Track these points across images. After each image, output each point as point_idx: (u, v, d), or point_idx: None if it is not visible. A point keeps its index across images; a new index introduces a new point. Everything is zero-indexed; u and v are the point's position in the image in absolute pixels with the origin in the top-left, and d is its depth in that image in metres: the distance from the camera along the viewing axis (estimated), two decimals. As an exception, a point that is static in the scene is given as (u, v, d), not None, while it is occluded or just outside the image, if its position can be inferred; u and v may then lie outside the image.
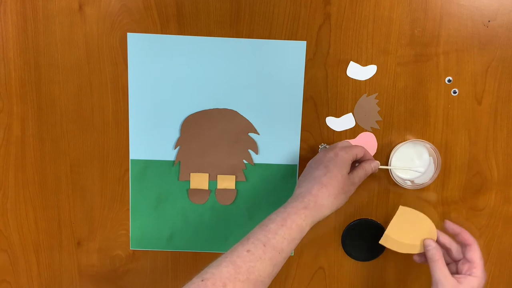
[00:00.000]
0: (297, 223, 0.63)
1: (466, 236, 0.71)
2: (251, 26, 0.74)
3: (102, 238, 0.81)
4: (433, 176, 0.76)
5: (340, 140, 0.78)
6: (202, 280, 0.58)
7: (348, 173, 0.69)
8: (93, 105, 0.77)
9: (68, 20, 0.74)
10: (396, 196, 0.79)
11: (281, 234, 0.62)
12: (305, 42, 0.74)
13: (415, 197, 0.79)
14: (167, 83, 0.76)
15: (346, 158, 0.69)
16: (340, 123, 0.77)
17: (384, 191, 0.79)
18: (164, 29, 0.74)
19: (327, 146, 0.75)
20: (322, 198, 0.66)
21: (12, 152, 0.78)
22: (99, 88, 0.76)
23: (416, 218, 0.74)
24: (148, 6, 0.73)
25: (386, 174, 0.78)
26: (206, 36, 0.74)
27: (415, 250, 0.72)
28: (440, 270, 0.68)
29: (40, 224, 0.80)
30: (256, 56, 0.75)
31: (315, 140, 0.78)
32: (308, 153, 0.78)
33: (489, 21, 0.74)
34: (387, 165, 0.76)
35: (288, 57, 0.75)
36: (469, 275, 0.68)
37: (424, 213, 0.79)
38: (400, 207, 0.74)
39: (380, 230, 0.80)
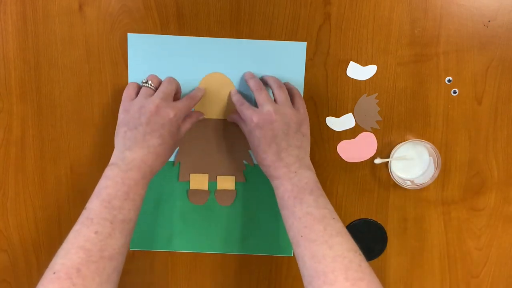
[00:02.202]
0: (139, 193, 0.65)
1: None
2: (251, 26, 0.74)
3: (102, 238, 0.81)
4: (433, 176, 0.76)
5: (340, 140, 0.78)
6: (54, 273, 0.58)
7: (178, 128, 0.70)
8: (93, 105, 0.77)
9: (68, 20, 0.74)
10: (396, 196, 0.79)
11: (127, 207, 0.63)
12: (305, 43, 0.74)
13: (415, 197, 0.79)
14: (167, 83, 0.76)
15: (178, 121, 0.68)
16: (340, 123, 0.77)
17: (384, 191, 0.79)
18: (164, 29, 0.74)
19: (151, 85, 0.70)
20: (156, 165, 0.67)
21: (12, 152, 0.78)
22: (99, 88, 0.76)
23: (219, 81, 0.75)
24: (148, 6, 0.73)
25: (386, 174, 0.78)
26: (206, 36, 0.74)
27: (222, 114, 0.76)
28: (246, 109, 0.70)
29: (40, 224, 0.80)
30: (257, 56, 0.75)
31: (315, 141, 0.78)
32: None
33: (489, 21, 0.74)
34: (388, 166, 0.76)
35: (288, 58, 0.75)
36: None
37: (424, 213, 0.80)
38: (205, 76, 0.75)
39: (380, 230, 0.80)
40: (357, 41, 0.75)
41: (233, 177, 0.79)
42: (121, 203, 0.63)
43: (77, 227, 0.62)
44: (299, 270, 0.82)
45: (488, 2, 0.73)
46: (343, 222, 0.80)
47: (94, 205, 0.63)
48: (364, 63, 0.75)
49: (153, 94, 0.69)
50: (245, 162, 0.78)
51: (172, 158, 0.78)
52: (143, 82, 0.71)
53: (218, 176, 0.79)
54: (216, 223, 0.81)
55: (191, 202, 0.80)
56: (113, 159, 0.67)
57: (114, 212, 0.62)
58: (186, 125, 0.72)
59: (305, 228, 0.63)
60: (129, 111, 0.68)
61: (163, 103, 0.67)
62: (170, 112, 0.67)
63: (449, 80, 0.75)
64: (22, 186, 0.79)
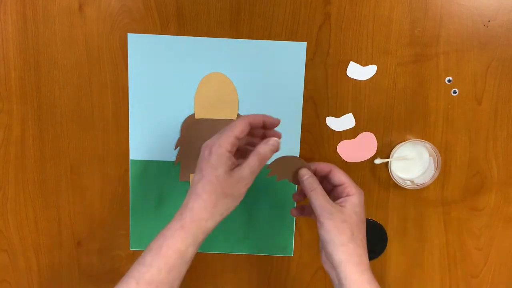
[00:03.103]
0: (174, 249, 0.56)
1: (322, 166, 0.66)
2: (251, 26, 0.74)
3: (102, 238, 0.81)
4: (433, 176, 0.76)
5: (340, 140, 0.77)
6: None
7: (232, 168, 0.59)
8: (93, 105, 0.77)
9: (68, 20, 0.74)
10: (396, 196, 0.79)
11: (156, 265, 0.56)
12: (305, 43, 0.74)
13: (415, 197, 0.79)
14: (167, 83, 0.76)
15: (221, 152, 0.58)
16: (340, 123, 0.77)
17: (384, 191, 0.79)
18: (164, 29, 0.74)
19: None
20: (199, 211, 0.57)
21: (12, 152, 0.78)
22: (99, 88, 0.76)
23: (219, 81, 0.74)
24: (148, 6, 0.73)
25: (386, 174, 0.78)
26: (206, 36, 0.74)
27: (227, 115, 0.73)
28: (321, 197, 0.62)
29: (40, 224, 0.80)
30: (256, 57, 0.75)
31: (315, 141, 0.78)
32: (308, 153, 0.78)
33: (489, 21, 0.74)
34: (388, 166, 0.76)
35: (288, 58, 0.75)
36: (347, 195, 0.63)
37: (424, 213, 0.80)
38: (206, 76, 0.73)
39: (380, 230, 0.80)
40: (357, 41, 0.75)
41: (233, 177, 0.79)
42: (151, 259, 0.56)
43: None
44: (299, 270, 0.82)
45: (488, 2, 0.73)
46: (343, 222, 0.80)
47: (138, 258, 0.58)
48: (364, 63, 0.75)
49: None
50: (245, 162, 0.78)
51: (172, 158, 0.78)
52: None
53: (218, 176, 0.79)
54: (216, 223, 0.80)
55: (191, 202, 0.79)
56: None
57: (143, 269, 0.56)
58: (250, 161, 0.61)
59: None
60: None
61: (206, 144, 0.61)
62: (212, 144, 0.60)
63: (449, 80, 0.75)
64: (22, 186, 0.79)
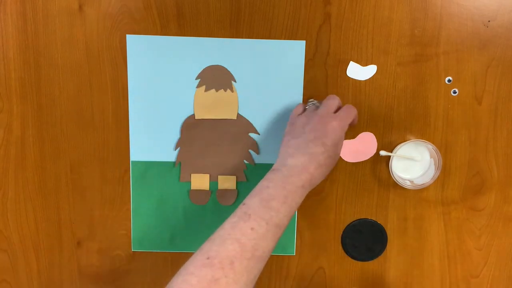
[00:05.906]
0: (296, 201, 0.65)
1: None
2: (251, 26, 0.74)
3: (102, 238, 0.81)
4: (433, 176, 0.76)
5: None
6: (208, 258, 0.58)
7: None
8: (93, 105, 0.77)
9: (68, 20, 0.74)
10: (396, 196, 0.79)
11: (283, 212, 0.63)
12: (304, 41, 0.74)
13: (415, 197, 0.79)
14: (167, 83, 0.76)
15: (343, 135, 0.69)
16: (340, 123, 0.77)
17: (384, 191, 0.79)
18: (164, 30, 0.74)
19: (318, 104, 0.73)
20: (317, 177, 0.67)
21: (12, 152, 0.77)
22: (99, 88, 0.76)
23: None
24: (148, 6, 0.73)
25: (386, 174, 0.78)
26: (206, 36, 0.74)
27: None
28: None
29: (40, 224, 0.80)
30: (256, 56, 0.75)
31: (315, 140, 0.78)
32: (308, 153, 0.78)
33: (489, 21, 0.74)
34: (389, 167, 0.76)
35: (287, 57, 0.75)
36: None
37: (424, 213, 0.80)
38: None
39: (380, 230, 0.80)
40: (357, 41, 0.75)
41: (234, 177, 0.79)
42: (279, 206, 0.63)
43: (233, 219, 0.62)
44: (299, 270, 0.82)
45: (488, 2, 0.73)
46: (344, 222, 0.80)
47: (253, 203, 0.63)
48: (364, 63, 0.75)
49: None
50: (245, 161, 0.79)
51: (173, 159, 0.78)
52: (309, 101, 0.74)
53: (219, 176, 0.79)
54: (217, 223, 0.80)
55: (193, 202, 0.80)
56: (275, 166, 0.68)
57: (271, 213, 0.62)
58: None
59: None
60: (295, 124, 0.71)
61: (326, 114, 0.69)
62: (333, 121, 0.68)
63: (449, 80, 0.76)
64: (22, 186, 0.79)
